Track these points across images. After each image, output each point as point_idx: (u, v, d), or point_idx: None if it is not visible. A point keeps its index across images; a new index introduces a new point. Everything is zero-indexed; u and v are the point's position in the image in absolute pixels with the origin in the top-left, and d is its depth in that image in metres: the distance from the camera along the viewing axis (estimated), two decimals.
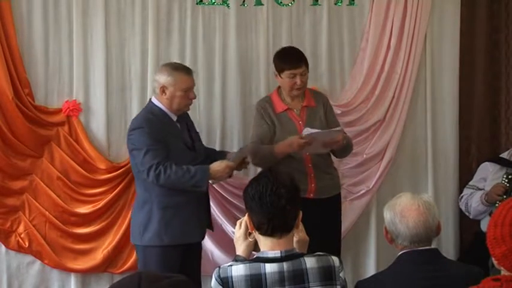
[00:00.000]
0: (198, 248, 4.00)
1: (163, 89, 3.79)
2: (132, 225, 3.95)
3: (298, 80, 4.07)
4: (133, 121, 3.88)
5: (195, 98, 3.89)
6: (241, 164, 3.98)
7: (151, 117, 3.80)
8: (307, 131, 3.97)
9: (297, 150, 3.98)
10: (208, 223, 4.05)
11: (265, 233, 2.48)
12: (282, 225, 2.47)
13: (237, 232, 2.63)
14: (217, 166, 3.73)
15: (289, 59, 4.12)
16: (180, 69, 3.84)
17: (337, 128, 4.09)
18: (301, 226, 2.62)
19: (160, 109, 3.83)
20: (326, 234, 3.86)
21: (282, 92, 4.22)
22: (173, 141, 3.78)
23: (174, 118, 3.86)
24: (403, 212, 2.60)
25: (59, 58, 4.38)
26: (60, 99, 4.38)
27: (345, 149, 4.19)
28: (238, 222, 2.63)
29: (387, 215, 2.65)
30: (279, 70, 4.12)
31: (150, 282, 1.53)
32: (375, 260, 4.79)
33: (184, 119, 3.96)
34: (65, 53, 4.38)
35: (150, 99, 3.92)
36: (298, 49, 4.24)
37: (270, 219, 2.45)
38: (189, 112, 4.31)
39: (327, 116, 4.24)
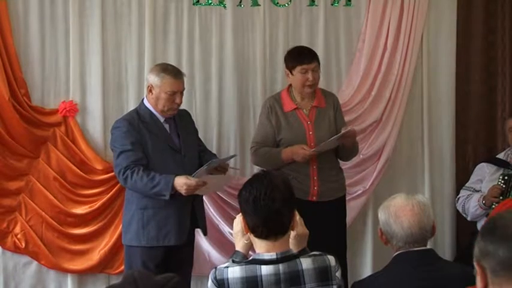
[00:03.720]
0: (186, 250, 3.94)
1: (150, 89, 3.81)
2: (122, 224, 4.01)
3: (310, 76, 4.05)
4: (116, 120, 3.92)
5: (180, 103, 3.83)
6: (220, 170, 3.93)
7: (132, 117, 3.83)
8: (319, 147, 3.97)
9: (301, 161, 4.00)
10: (200, 226, 4.00)
11: (260, 235, 2.48)
12: (277, 228, 2.47)
13: (236, 227, 2.63)
14: (179, 180, 3.63)
15: (301, 54, 4.11)
16: (169, 72, 3.81)
17: (348, 128, 4.09)
18: (300, 220, 2.61)
19: (148, 109, 3.84)
20: (330, 236, 3.83)
21: (292, 90, 4.19)
22: (155, 142, 3.79)
23: (162, 119, 3.85)
24: (397, 213, 2.60)
25: (56, 58, 4.38)
26: (57, 100, 4.38)
27: (351, 150, 4.19)
28: (237, 217, 2.63)
29: (382, 216, 2.65)
30: (291, 67, 4.09)
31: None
32: (372, 260, 4.79)
33: (176, 120, 3.92)
34: (61, 54, 4.38)
35: (142, 99, 3.93)
36: (310, 48, 4.24)
37: (265, 223, 2.45)
38: None
39: (336, 117, 4.22)
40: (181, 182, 3.62)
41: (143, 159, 3.73)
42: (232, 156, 4.19)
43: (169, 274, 1.57)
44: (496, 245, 1.52)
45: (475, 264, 1.56)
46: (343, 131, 4.04)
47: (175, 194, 3.65)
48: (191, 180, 3.63)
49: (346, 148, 4.13)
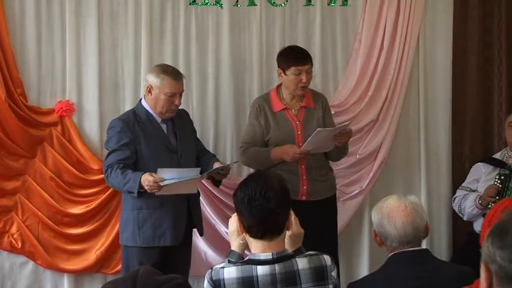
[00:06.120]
0: (184, 250, 3.96)
1: (149, 89, 3.81)
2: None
3: (303, 78, 4.03)
4: (111, 120, 3.93)
5: (179, 104, 3.83)
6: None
7: (128, 117, 3.83)
8: (307, 142, 3.95)
9: (290, 161, 3.99)
10: (196, 227, 4.00)
11: (255, 235, 2.49)
12: (272, 228, 2.48)
13: (231, 227, 2.63)
14: (144, 177, 3.57)
15: (297, 55, 4.09)
16: (169, 73, 3.80)
17: (344, 123, 4.08)
18: (295, 220, 2.62)
19: (145, 109, 3.84)
20: (321, 236, 3.83)
21: (281, 91, 4.19)
22: (151, 142, 3.78)
23: (159, 120, 3.85)
24: (390, 213, 2.61)
25: (52, 58, 4.37)
26: (53, 100, 4.37)
27: (341, 149, 4.18)
28: (232, 217, 2.63)
29: (375, 217, 2.66)
30: (285, 67, 4.06)
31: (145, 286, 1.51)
32: (368, 260, 4.80)
33: (174, 120, 3.92)
34: (57, 53, 4.37)
35: (140, 99, 3.94)
36: (303, 48, 4.23)
37: (260, 223, 2.45)
38: None
39: (325, 118, 4.21)
40: (144, 178, 3.58)
41: (130, 159, 3.73)
42: (235, 162, 4.23)
43: (174, 275, 1.57)
44: (505, 256, 1.49)
45: (481, 263, 1.54)
46: (337, 127, 4.04)
47: (145, 192, 3.61)
48: (151, 177, 3.56)
49: (337, 147, 4.11)
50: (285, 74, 4.07)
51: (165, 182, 3.57)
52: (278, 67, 4.13)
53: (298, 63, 4.04)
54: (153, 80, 3.80)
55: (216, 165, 3.88)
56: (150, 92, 3.81)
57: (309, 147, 3.97)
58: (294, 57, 4.07)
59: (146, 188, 3.57)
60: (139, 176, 3.59)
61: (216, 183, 4.05)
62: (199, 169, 3.76)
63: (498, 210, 2.25)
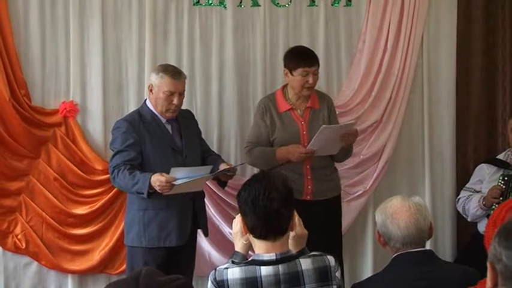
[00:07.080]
0: (188, 250, 3.96)
1: (151, 88, 3.83)
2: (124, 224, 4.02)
3: (310, 79, 4.03)
4: (116, 121, 3.92)
5: (178, 104, 3.81)
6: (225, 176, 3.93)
7: (133, 118, 3.83)
8: (313, 141, 3.94)
9: (296, 160, 3.99)
10: (201, 227, 4.01)
11: (259, 236, 2.48)
12: (276, 229, 2.47)
13: (235, 227, 2.63)
14: (154, 177, 3.55)
15: (305, 56, 4.09)
16: (168, 72, 3.81)
17: (349, 122, 4.08)
18: (299, 221, 2.61)
19: (149, 110, 3.85)
20: (325, 236, 3.83)
21: (287, 91, 4.19)
22: (156, 143, 3.79)
23: (164, 120, 3.86)
24: (394, 214, 2.61)
25: (56, 59, 4.38)
26: (57, 100, 4.38)
27: (347, 150, 4.18)
28: (236, 217, 2.62)
29: (379, 218, 2.66)
30: (292, 67, 4.06)
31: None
32: (372, 261, 4.79)
33: (179, 121, 3.92)
34: (61, 54, 4.38)
35: (145, 99, 3.94)
36: (311, 49, 4.23)
37: (264, 223, 2.45)
38: None
39: (330, 119, 4.21)
40: (154, 179, 3.56)
41: (136, 159, 3.73)
42: (241, 164, 4.24)
43: (177, 276, 1.58)
44: (510, 256, 1.49)
45: (488, 262, 1.54)
46: (342, 124, 4.04)
47: (155, 192, 3.59)
48: (163, 177, 3.55)
49: (343, 148, 4.10)
50: (292, 75, 4.07)
51: (178, 182, 3.57)
52: (284, 67, 4.13)
53: (306, 65, 4.04)
54: (153, 78, 3.82)
55: (223, 166, 3.88)
56: (151, 91, 3.82)
57: (315, 147, 3.97)
58: (301, 58, 4.07)
59: (158, 188, 3.55)
60: (148, 176, 3.58)
61: (222, 184, 4.04)
62: (210, 167, 3.76)
63: (502, 211, 2.26)
